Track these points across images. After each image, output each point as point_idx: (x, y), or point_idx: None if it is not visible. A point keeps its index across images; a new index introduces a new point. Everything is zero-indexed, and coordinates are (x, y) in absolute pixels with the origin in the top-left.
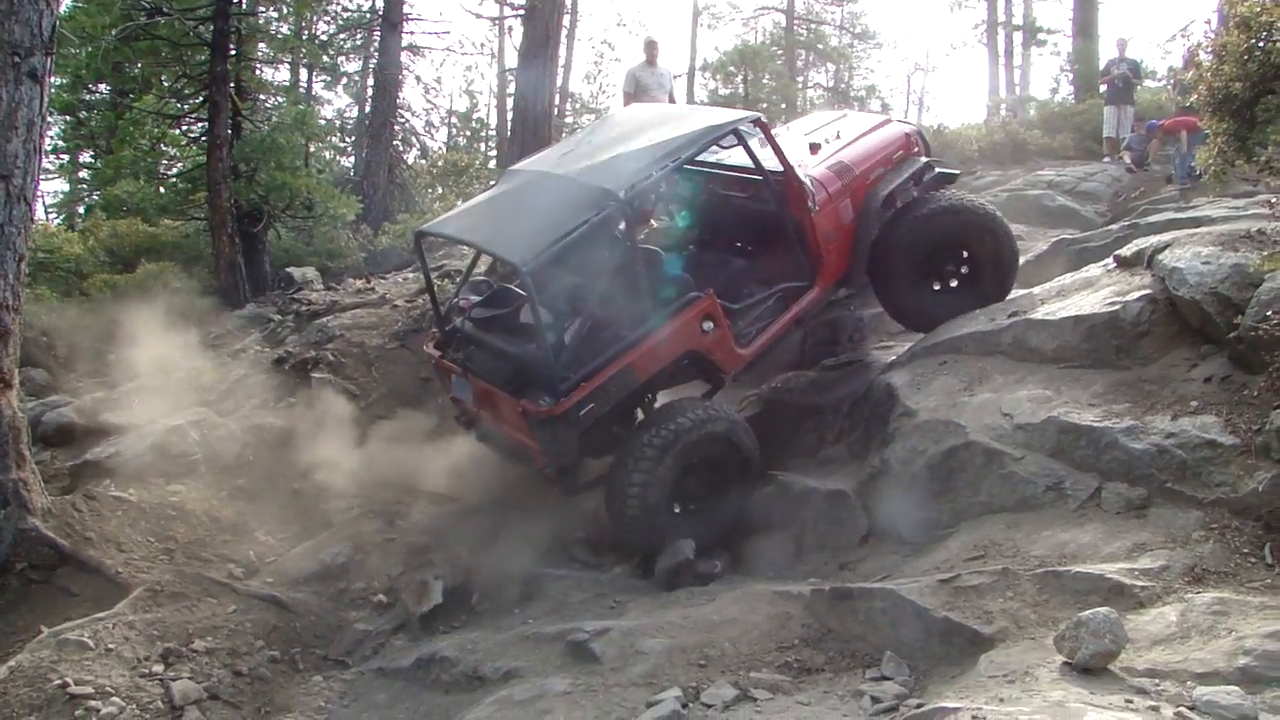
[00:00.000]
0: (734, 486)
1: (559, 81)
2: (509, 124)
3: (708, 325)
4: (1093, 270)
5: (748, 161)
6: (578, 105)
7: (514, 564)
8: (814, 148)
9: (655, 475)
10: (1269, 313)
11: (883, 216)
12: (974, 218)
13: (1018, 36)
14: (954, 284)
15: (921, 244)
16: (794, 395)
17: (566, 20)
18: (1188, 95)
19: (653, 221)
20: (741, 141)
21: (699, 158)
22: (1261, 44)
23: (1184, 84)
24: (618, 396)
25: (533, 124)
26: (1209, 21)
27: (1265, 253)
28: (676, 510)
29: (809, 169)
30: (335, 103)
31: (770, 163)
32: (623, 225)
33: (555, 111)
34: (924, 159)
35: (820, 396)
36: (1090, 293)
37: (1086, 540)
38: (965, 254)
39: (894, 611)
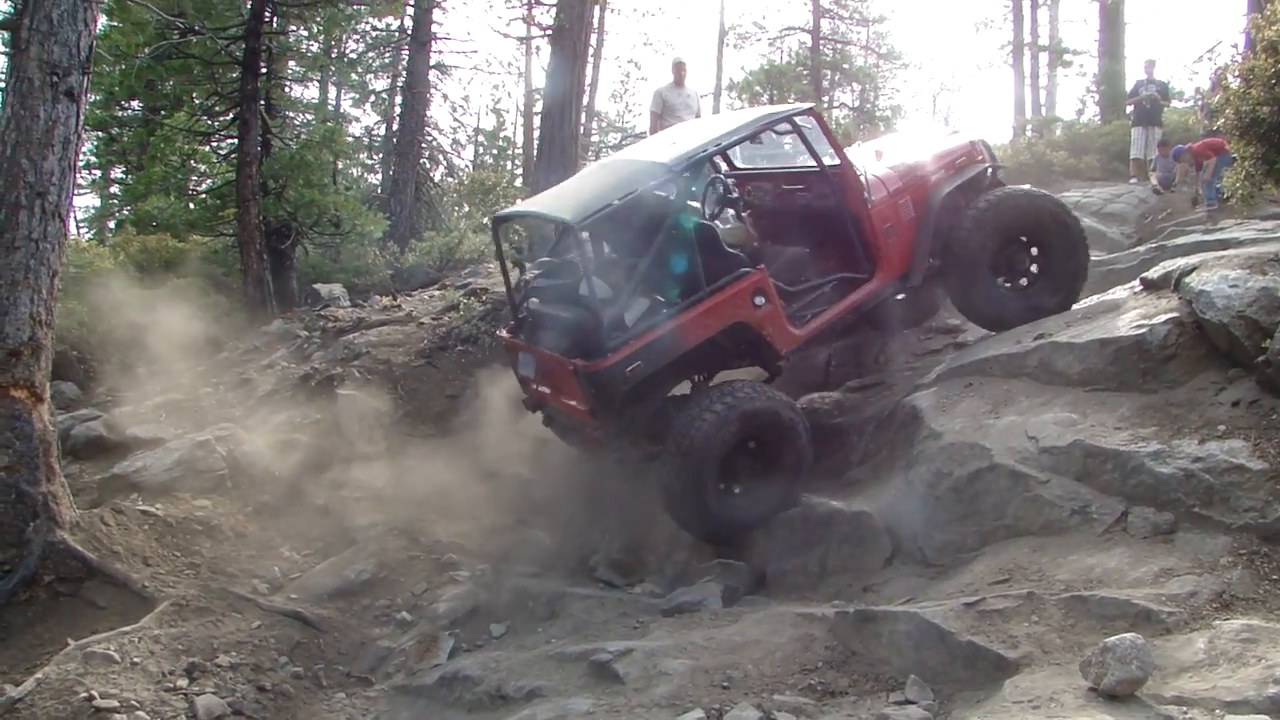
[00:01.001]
0: (784, 471)
1: (585, 100)
2: (535, 142)
3: (759, 300)
4: (1119, 293)
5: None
6: (604, 124)
7: (538, 582)
8: (879, 154)
9: (707, 447)
10: None
11: (945, 215)
12: (1044, 207)
13: (1043, 57)
14: (1024, 281)
15: (991, 238)
16: (819, 416)
17: (593, 40)
18: (1215, 119)
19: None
20: (798, 132)
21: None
22: None
23: (1211, 108)
24: (664, 358)
25: (560, 143)
26: (1236, 45)
27: None
28: (724, 488)
29: (872, 170)
30: (363, 120)
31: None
32: (673, 196)
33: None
34: (988, 164)
35: (845, 418)
36: (1117, 315)
37: (1113, 565)
38: (1035, 249)
39: (918, 635)
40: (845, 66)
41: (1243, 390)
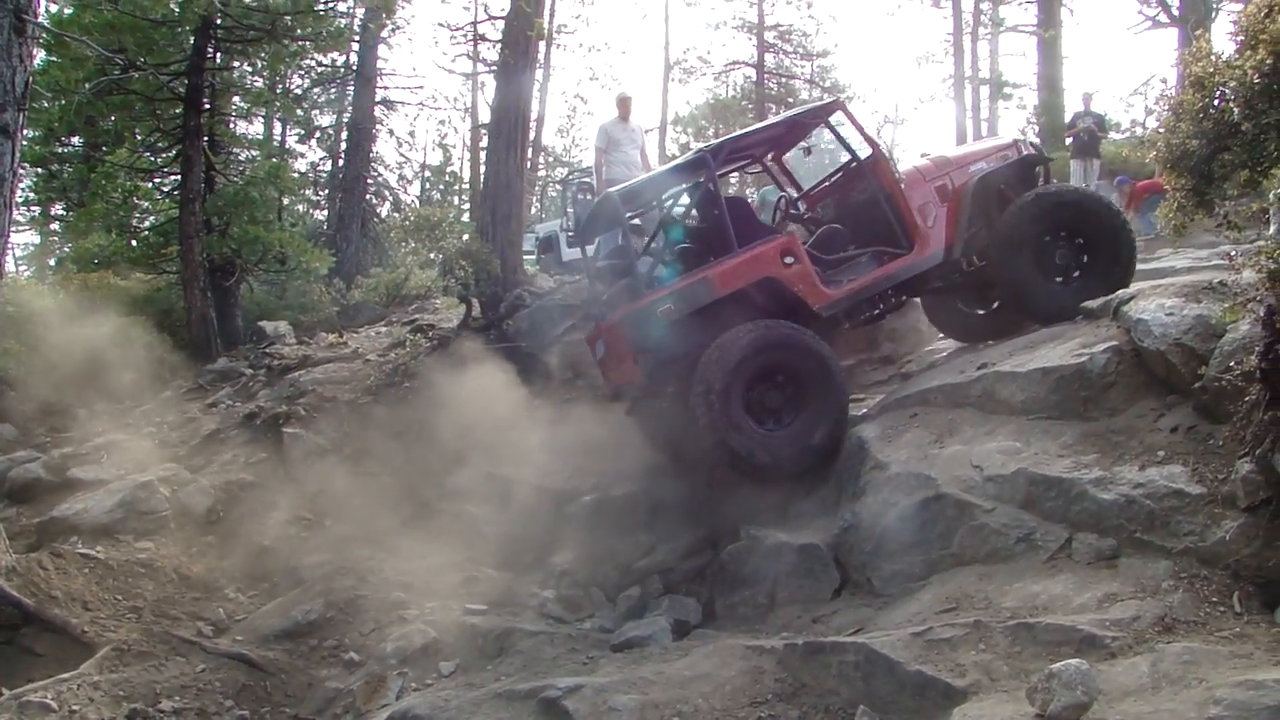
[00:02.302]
0: (815, 405)
1: (532, 134)
2: (482, 177)
3: (789, 259)
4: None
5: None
6: (551, 159)
7: (487, 619)
8: (923, 154)
9: (726, 373)
10: (1231, 363)
11: (983, 200)
12: (1090, 204)
13: (984, 89)
14: (1076, 274)
15: (1033, 229)
16: None
17: (540, 75)
18: (1147, 152)
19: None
20: (829, 127)
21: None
22: (1216, 103)
23: (1144, 141)
24: (696, 303)
25: (505, 177)
26: (1164, 80)
27: (1227, 304)
28: (757, 422)
29: (911, 163)
30: (309, 156)
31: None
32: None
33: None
34: (1032, 157)
35: None
36: (1058, 344)
37: (1058, 591)
38: (1081, 242)
39: (866, 665)
40: (790, 100)
41: (1181, 416)
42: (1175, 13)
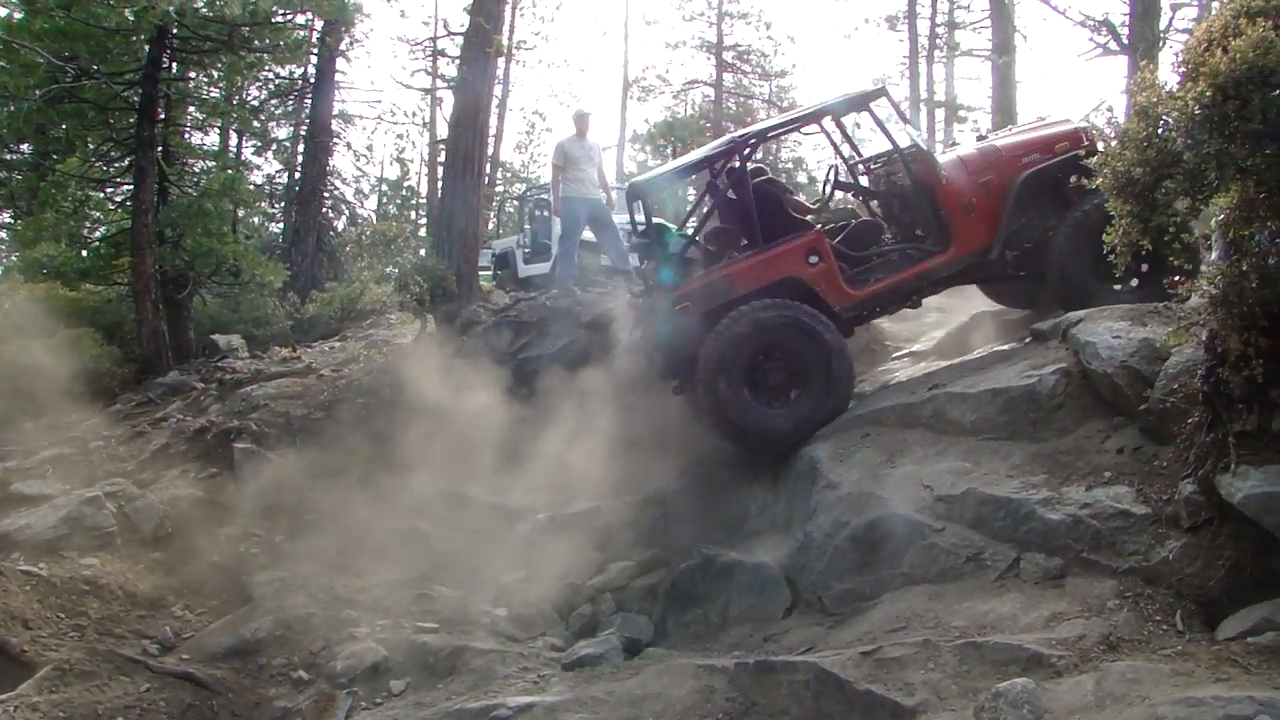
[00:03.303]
0: (817, 380)
1: (490, 150)
2: (439, 193)
3: (813, 259)
4: (1011, 343)
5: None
6: (509, 175)
7: (438, 637)
8: (980, 137)
9: (727, 351)
10: (1176, 385)
11: (1032, 197)
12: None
13: (940, 112)
14: (1134, 281)
15: (1087, 244)
16: (720, 467)
17: (498, 91)
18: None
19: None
20: (873, 115)
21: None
22: (1159, 133)
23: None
24: (713, 301)
25: (461, 193)
26: (1110, 109)
27: (1171, 328)
28: (761, 399)
29: (957, 152)
30: (265, 168)
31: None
32: (738, 164)
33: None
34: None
35: (745, 469)
36: (1008, 366)
37: (1006, 610)
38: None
39: (817, 684)
40: (748, 120)
41: (1127, 438)
42: (1124, 41)
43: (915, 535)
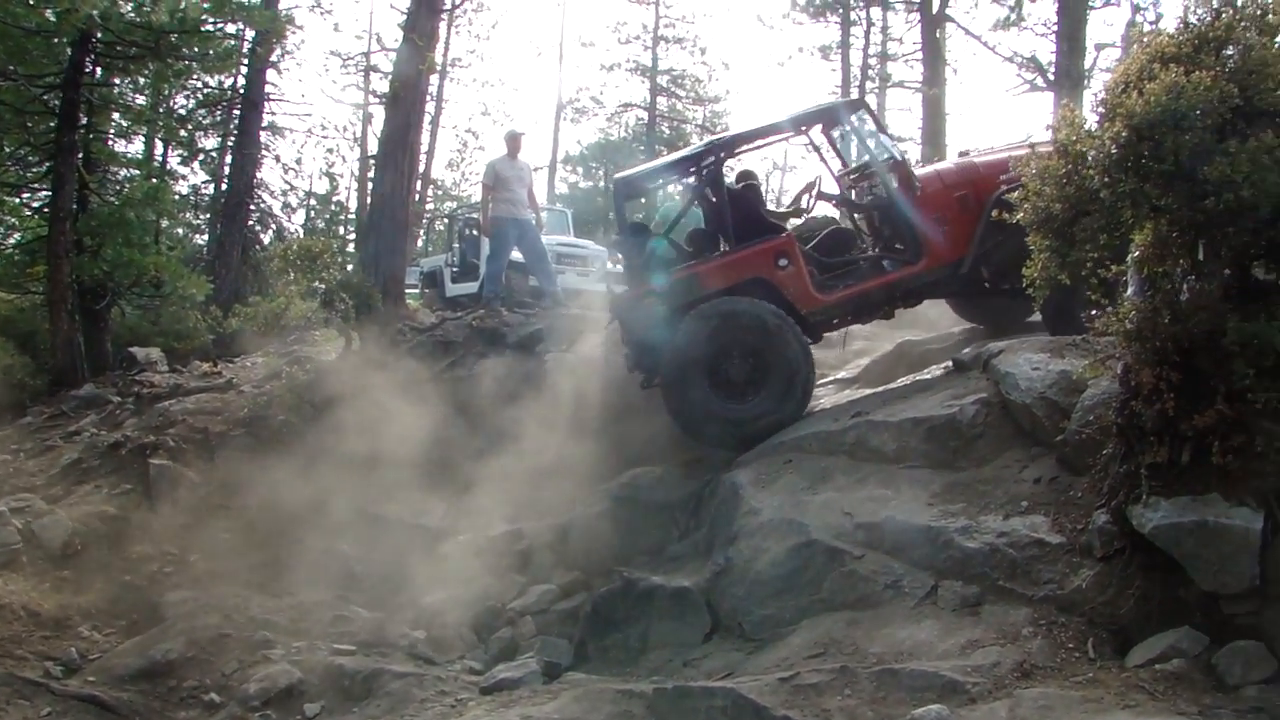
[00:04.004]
0: (779, 379)
1: (421, 168)
2: (368, 208)
3: (783, 261)
4: (933, 372)
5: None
6: (440, 192)
7: (355, 660)
8: (962, 154)
9: (689, 348)
10: (1091, 417)
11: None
12: None
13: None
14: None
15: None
16: (642, 491)
17: (431, 108)
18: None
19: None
20: (851, 126)
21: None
22: (1078, 170)
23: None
24: (681, 299)
25: (390, 210)
26: (1032, 146)
27: (1088, 361)
28: (722, 395)
29: (939, 166)
30: (191, 179)
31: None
32: (714, 161)
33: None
34: None
35: (667, 493)
36: (930, 395)
37: (923, 637)
38: None
39: (734, 710)
40: (681, 144)
41: (1044, 468)
42: (1050, 78)
43: (835, 562)
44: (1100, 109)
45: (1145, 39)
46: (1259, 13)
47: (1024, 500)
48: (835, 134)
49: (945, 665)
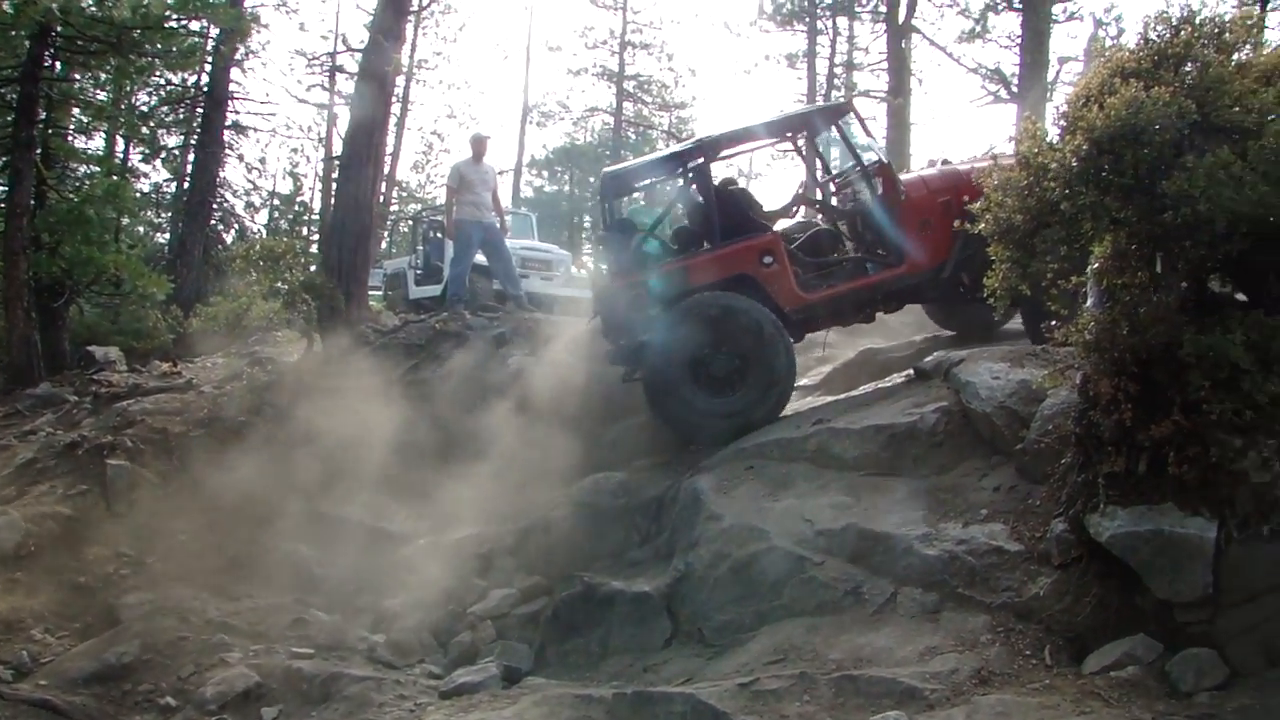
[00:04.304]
0: (759, 374)
1: (386, 169)
2: (332, 209)
3: (768, 259)
4: (895, 380)
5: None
6: (404, 194)
7: (313, 663)
8: (945, 162)
9: (672, 340)
10: (1050, 427)
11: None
12: None
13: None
14: None
15: None
16: (604, 496)
17: (396, 109)
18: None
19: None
20: (839, 130)
21: None
22: (1040, 183)
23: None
24: (667, 292)
25: (354, 211)
26: (994, 158)
27: (1047, 371)
28: (703, 391)
29: (924, 171)
30: (153, 176)
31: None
32: (703, 160)
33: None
34: None
35: (628, 498)
36: (891, 403)
37: (882, 644)
38: None
39: (694, 716)
40: (646, 150)
41: (1003, 476)
42: (1014, 90)
43: (796, 568)
44: (1061, 122)
45: (1106, 54)
46: (1216, 31)
47: (983, 508)
48: (822, 138)
49: (904, 672)
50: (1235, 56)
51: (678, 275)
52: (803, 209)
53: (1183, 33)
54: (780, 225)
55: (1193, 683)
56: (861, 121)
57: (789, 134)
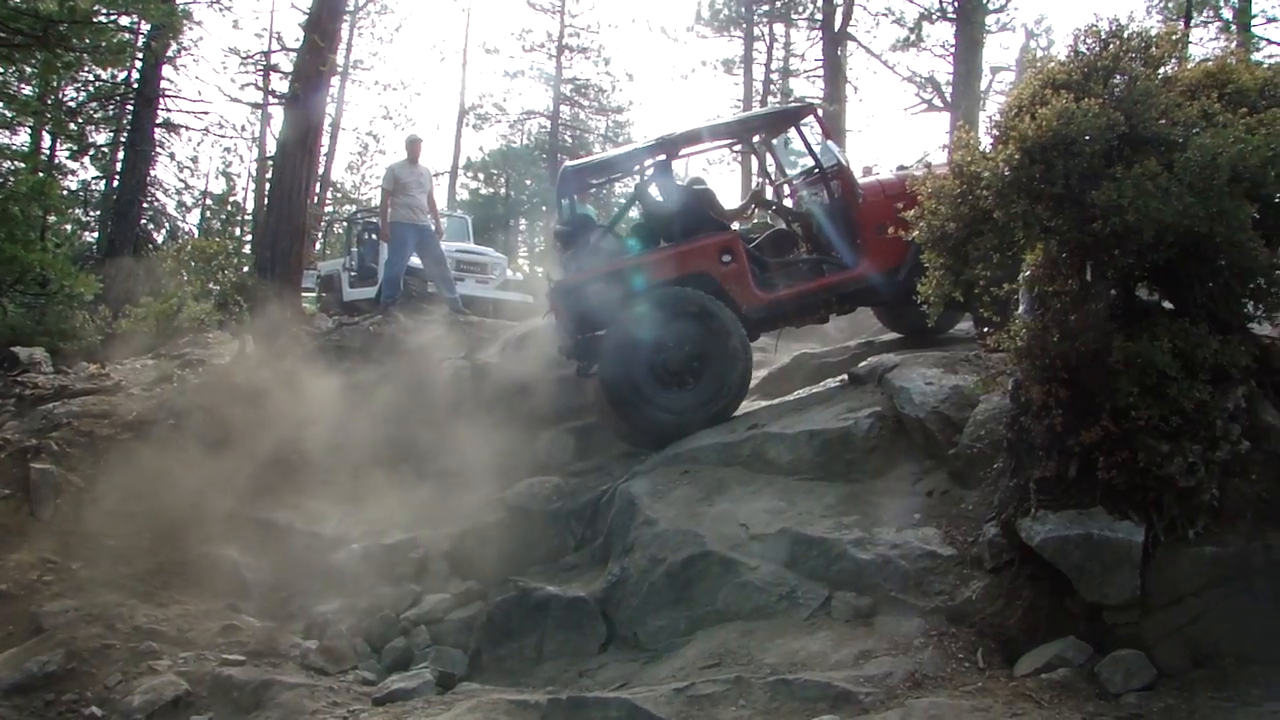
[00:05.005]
0: (714, 371)
1: (320, 170)
2: (265, 210)
3: (726, 258)
4: (830, 385)
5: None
6: (339, 195)
7: (244, 670)
8: (901, 168)
9: (627, 336)
10: (982, 432)
11: None
12: None
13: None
14: None
15: None
16: (539, 500)
17: (331, 109)
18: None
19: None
20: (799, 133)
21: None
22: (972, 191)
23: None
24: (624, 288)
25: (287, 212)
26: (929, 165)
27: (980, 377)
28: (656, 384)
29: (882, 176)
30: (81, 174)
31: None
32: (664, 158)
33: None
34: None
35: (564, 502)
36: (825, 408)
37: (816, 648)
38: None
39: None
40: (583, 153)
41: (936, 481)
42: (948, 98)
43: (730, 573)
44: (994, 131)
45: (1038, 65)
46: (1143, 45)
47: (917, 513)
48: (782, 138)
49: (838, 675)
50: (1161, 70)
51: (636, 271)
52: (757, 210)
53: (1111, 46)
54: (735, 226)
55: (1121, 684)
56: (822, 124)
57: (750, 134)
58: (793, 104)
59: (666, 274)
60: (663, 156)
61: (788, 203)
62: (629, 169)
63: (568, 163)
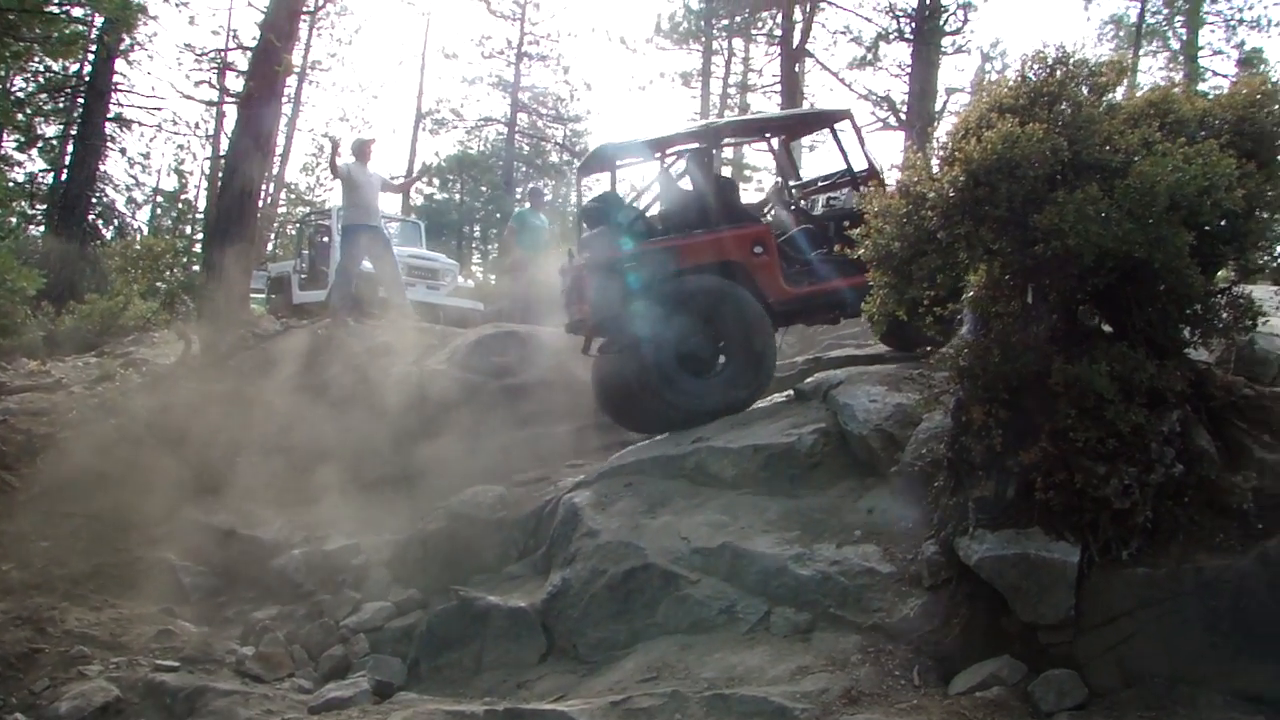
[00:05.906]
0: (740, 359)
1: (275, 170)
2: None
3: (758, 249)
4: (775, 400)
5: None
6: (294, 195)
7: (178, 676)
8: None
9: (656, 318)
10: (924, 450)
11: None
12: None
13: (727, 170)
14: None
15: None
16: (482, 509)
17: (288, 109)
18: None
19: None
20: (834, 135)
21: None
22: (918, 211)
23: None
24: (656, 270)
25: (238, 212)
26: (882, 183)
27: (923, 395)
28: (681, 369)
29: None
30: (28, 166)
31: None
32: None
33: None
34: None
35: (507, 512)
36: (770, 423)
37: (754, 663)
38: None
39: None
40: (539, 162)
41: (877, 498)
42: (902, 117)
43: (670, 586)
44: (941, 153)
45: (986, 89)
46: (1089, 73)
47: (858, 529)
48: (814, 139)
49: (775, 691)
50: (1106, 98)
51: (667, 254)
52: (772, 211)
53: (1058, 73)
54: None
55: (1054, 703)
56: (857, 129)
57: (789, 131)
58: (832, 107)
59: (699, 260)
60: (704, 143)
61: (802, 204)
62: (664, 153)
63: (603, 142)
